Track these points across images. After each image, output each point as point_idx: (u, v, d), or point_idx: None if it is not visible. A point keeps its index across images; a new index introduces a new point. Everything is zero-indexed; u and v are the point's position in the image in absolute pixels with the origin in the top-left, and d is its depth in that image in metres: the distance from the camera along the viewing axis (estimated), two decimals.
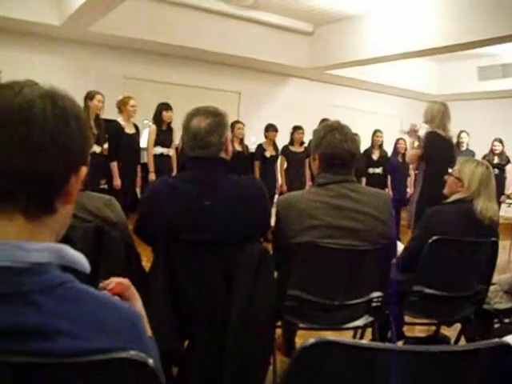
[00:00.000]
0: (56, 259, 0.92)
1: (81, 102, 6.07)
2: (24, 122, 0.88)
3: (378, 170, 8.86)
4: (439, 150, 4.76)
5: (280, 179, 8.40)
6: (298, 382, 1.10)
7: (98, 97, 6.16)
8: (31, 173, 0.89)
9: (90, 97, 6.13)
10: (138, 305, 1.30)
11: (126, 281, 1.33)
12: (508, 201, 9.52)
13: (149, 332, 1.27)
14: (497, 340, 1.14)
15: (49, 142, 0.90)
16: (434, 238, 2.77)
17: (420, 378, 1.11)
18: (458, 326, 3.34)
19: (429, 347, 1.06)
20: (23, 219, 0.90)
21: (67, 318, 0.87)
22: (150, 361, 0.93)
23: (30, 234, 0.91)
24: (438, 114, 4.85)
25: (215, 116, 2.27)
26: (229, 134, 2.35)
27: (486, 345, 1.14)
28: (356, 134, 8.32)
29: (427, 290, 2.85)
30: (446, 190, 3.19)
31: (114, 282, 1.30)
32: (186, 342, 2.35)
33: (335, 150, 2.47)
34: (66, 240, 2.10)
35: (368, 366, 1.07)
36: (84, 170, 0.97)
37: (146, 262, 2.37)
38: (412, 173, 8.45)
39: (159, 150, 6.92)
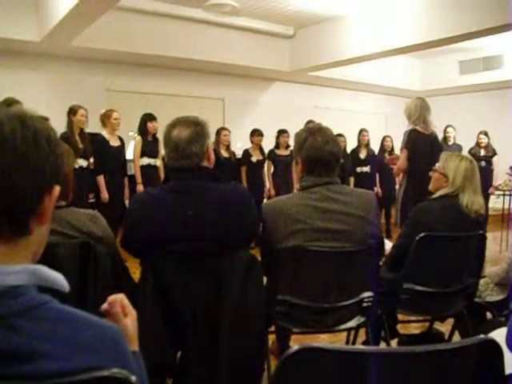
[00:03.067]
0: (33, 280, 0.91)
1: (64, 117, 6.05)
2: None
3: (366, 169, 8.90)
4: (420, 147, 4.79)
5: (268, 183, 8.40)
6: None
7: (81, 111, 6.14)
8: (2, 196, 0.88)
9: (72, 112, 6.11)
10: (129, 320, 1.28)
11: (112, 298, 1.31)
12: (497, 192, 9.57)
13: (136, 347, 1.26)
14: (482, 336, 1.14)
15: (19, 164, 0.89)
16: (422, 234, 2.78)
17: (407, 378, 1.11)
18: (451, 320, 3.35)
19: (413, 348, 1.06)
20: None
21: (47, 339, 0.87)
22: (133, 378, 0.93)
23: (6, 256, 0.90)
24: (416, 109, 4.88)
25: (196, 125, 2.26)
26: (210, 142, 2.34)
27: (472, 341, 1.14)
28: (340, 135, 8.36)
29: (417, 287, 2.85)
30: (431, 186, 3.20)
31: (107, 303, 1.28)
32: (179, 353, 2.34)
33: (317, 153, 2.47)
34: (51, 257, 2.10)
35: (354, 370, 1.07)
36: (57, 189, 0.96)
37: (138, 275, 2.36)
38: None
39: (146, 160, 6.91)
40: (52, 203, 0.95)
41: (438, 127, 5.25)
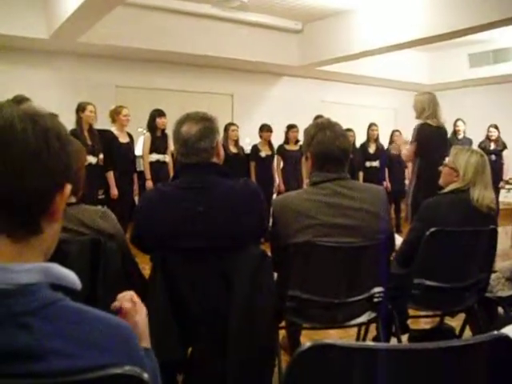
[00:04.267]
0: (45, 278, 0.91)
1: (73, 115, 6.07)
2: (4, 143, 0.88)
3: (375, 164, 8.87)
4: (431, 141, 4.77)
5: (277, 179, 8.39)
6: None
7: (90, 107, 6.15)
8: (14, 195, 0.88)
9: (81, 108, 6.13)
10: (139, 317, 1.28)
11: (122, 295, 1.31)
12: (507, 186, 9.51)
13: (148, 344, 1.26)
14: (495, 332, 1.13)
15: (31, 163, 0.89)
16: (432, 229, 2.77)
17: (419, 375, 1.11)
18: (462, 315, 3.34)
19: (425, 344, 1.06)
20: (9, 241, 0.90)
21: (59, 337, 0.87)
22: (145, 375, 0.93)
23: (18, 255, 0.90)
24: (427, 104, 4.86)
25: (205, 121, 2.26)
26: (220, 138, 2.34)
27: (485, 338, 1.13)
28: (349, 130, 8.33)
29: (428, 282, 2.84)
30: (441, 181, 3.19)
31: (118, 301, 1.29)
32: (190, 350, 2.35)
33: (327, 148, 2.46)
34: (62, 255, 2.11)
35: (366, 366, 1.07)
36: (68, 187, 0.96)
37: (148, 271, 2.36)
38: (409, 165, 8.46)
39: (155, 156, 6.91)
40: (63, 201, 0.95)
41: (447, 121, 5.23)
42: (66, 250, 2.11)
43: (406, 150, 5.02)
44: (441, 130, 4.93)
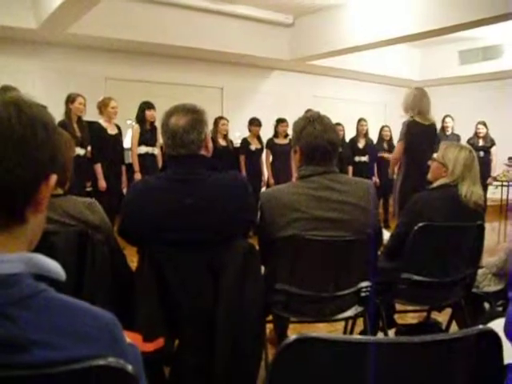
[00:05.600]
0: (29, 269, 0.90)
1: (62, 106, 6.02)
2: None
3: (364, 159, 8.89)
4: (419, 137, 4.79)
5: (266, 172, 8.40)
6: (283, 378, 1.09)
7: (79, 99, 6.10)
8: None
9: (70, 100, 6.08)
10: None
11: None
12: (495, 183, 9.58)
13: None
14: (481, 327, 1.14)
15: (15, 151, 0.88)
16: (420, 224, 2.77)
17: (406, 368, 1.11)
18: (449, 310, 3.35)
19: (412, 338, 1.06)
20: None
21: (43, 328, 0.86)
22: (129, 367, 0.92)
23: (1, 245, 0.89)
24: (415, 100, 4.87)
25: (193, 113, 2.25)
26: (208, 130, 2.33)
27: (471, 332, 1.13)
28: (339, 124, 8.35)
29: (415, 277, 2.85)
30: (430, 176, 3.19)
31: None
32: (177, 342, 2.34)
33: (316, 142, 2.46)
34: (48, 246, 2.09)
35: (352, 360, 1.07)
36: (54, 178, 0.95)
37: (135, 263, 2.35)
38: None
39: (144, 149, 6.89)
40: (48, 192, 0.94)
41: (436, 118, 5.24)
42: (53, 241, 2.10)
43: (394, 154, 5.04)
44: (430, 127, 4.94)
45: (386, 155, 5.92)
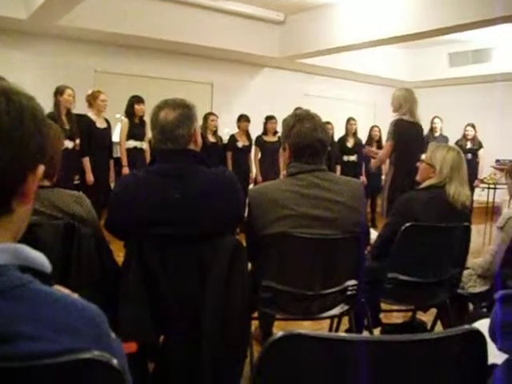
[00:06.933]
0: (14, 260, 0.89)
1: (50, 98, 5.98)
2: None
3: (353, 158, 8.91)
4: (407, 136, 4.82)
5: (254, 169, 8.39)
6: (269, 374, 1.09)
7: (68, 91, 6.06)
8: None
9: (59, 92, 6.04)
10: None
11: None
12: (482, 185, 9.64)
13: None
14: (466, 326, 1.14)
15: (3, 141, 0.87)
16: (407, 224, 2.79)
17: (391, 367, 1.11)
18: (434, 310, 3.37)
19: (398, 336, 1.06)
20: None
21: (27, 319, 0.85)
22: (115, 361, 0.91)
23: None
24: (404, 100, 4.91)
25: (183, 108, 2.24)
26: (197, 125, 2.32)
27: (457, 331, 1.14)
28: (328, 123, 8.37)
29: (401, 277, 2.86)
30: (418, 177, 3.21)
31: None
32: (162, 337, 2.33)
33: (305, 140, 2.46)
34: (34, 237, 2.07)
35: (337, 357, 1.07)
36: (41, 169, 0.94)
37: (122, 258, 2.34)
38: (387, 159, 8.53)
39: (132, 143, 6.87)
40: (36, 183, 0.93)
41: (425, 119, 5.28)
42: (39, 233, 2.09)
43: (382, 153, 5.07)
44: (416, 125, 4.97)
45: (372, 149, 5.92)
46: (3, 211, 0.90)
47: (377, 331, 3.22)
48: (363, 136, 9.28)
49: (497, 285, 2.87)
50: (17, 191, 0.90)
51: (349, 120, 9.07)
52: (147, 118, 6.74)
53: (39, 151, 0.93)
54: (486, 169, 9.37)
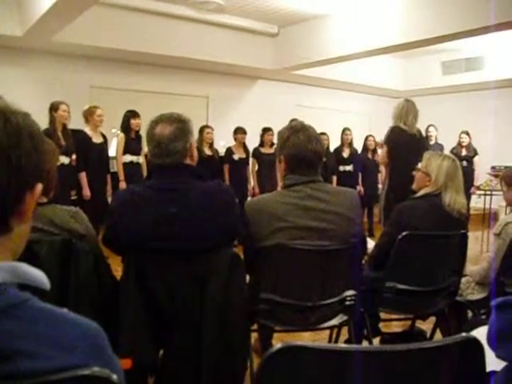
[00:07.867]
0: (12, 278, 0.89)
1: (46, 114, 5.99)
2: None
3: (349, 168, 8.94)
4: (402, 144, 4.84)
5: (252, 181, 8.40)
6: None
7: (63, 107, 6.08)
8: None
9: (54, 108, 6.05)
10: None
11: None
12: (478, 192, 9.66)
13: None
14: (464, 335, 1.15)
15: (0, 161, 0.87)
16: (404, 233, 2.79)
17: (390, 377, 1.11)
18: (433, 319, 3.37)
19: (396, 346, 1.06)
20: None
21: (27, 337, 0.85)
22: (114, 377, 0.91)
23: None
24: (401, 110, 4.95)
25: (179, 122, 2.25)
26: (193, 140, 2.33)
27: (454, 340, 1.14)
28: (323, 133, 8.42)
29: (399, 286, 2.87)
30: (414, 186, 3.22)
31: None
32: (162, 352, 2.33)
33: (300, 151, 2.47)
34: (32, 255, 2.07)
35: (337, 368, 1.07)
36: (39, 187, 0.94)
37: (120, 272, 2.34)
38: (382, 169, 8.56)
39: (128, 158, 6.87)
40: (34, 201, 0.93)
41: (420, 127, 5.30)
42: (36, 250, 2.09)
43: (379, 157, 5.11)
44: (414, 135, 4.99)
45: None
46: (1, 230, 0.90)
47: (376, 340, 3.22)
48: (358, 145, 9.31)
49: (493, 292, 2.88)
50: (15, 210, 0.91)
51: (344, 130, 9.11)
52: (143, 133, 6.74)
53: (37, 170, 0.93)
54: (481, 176, 9.39)
